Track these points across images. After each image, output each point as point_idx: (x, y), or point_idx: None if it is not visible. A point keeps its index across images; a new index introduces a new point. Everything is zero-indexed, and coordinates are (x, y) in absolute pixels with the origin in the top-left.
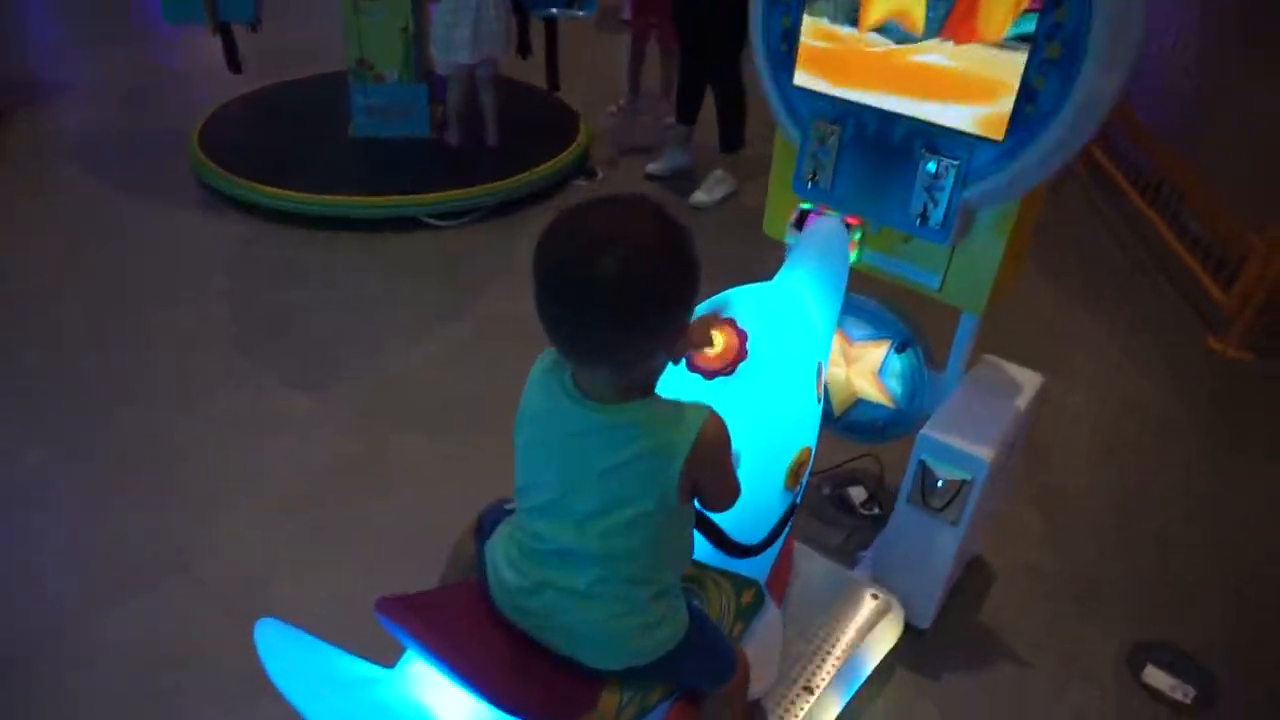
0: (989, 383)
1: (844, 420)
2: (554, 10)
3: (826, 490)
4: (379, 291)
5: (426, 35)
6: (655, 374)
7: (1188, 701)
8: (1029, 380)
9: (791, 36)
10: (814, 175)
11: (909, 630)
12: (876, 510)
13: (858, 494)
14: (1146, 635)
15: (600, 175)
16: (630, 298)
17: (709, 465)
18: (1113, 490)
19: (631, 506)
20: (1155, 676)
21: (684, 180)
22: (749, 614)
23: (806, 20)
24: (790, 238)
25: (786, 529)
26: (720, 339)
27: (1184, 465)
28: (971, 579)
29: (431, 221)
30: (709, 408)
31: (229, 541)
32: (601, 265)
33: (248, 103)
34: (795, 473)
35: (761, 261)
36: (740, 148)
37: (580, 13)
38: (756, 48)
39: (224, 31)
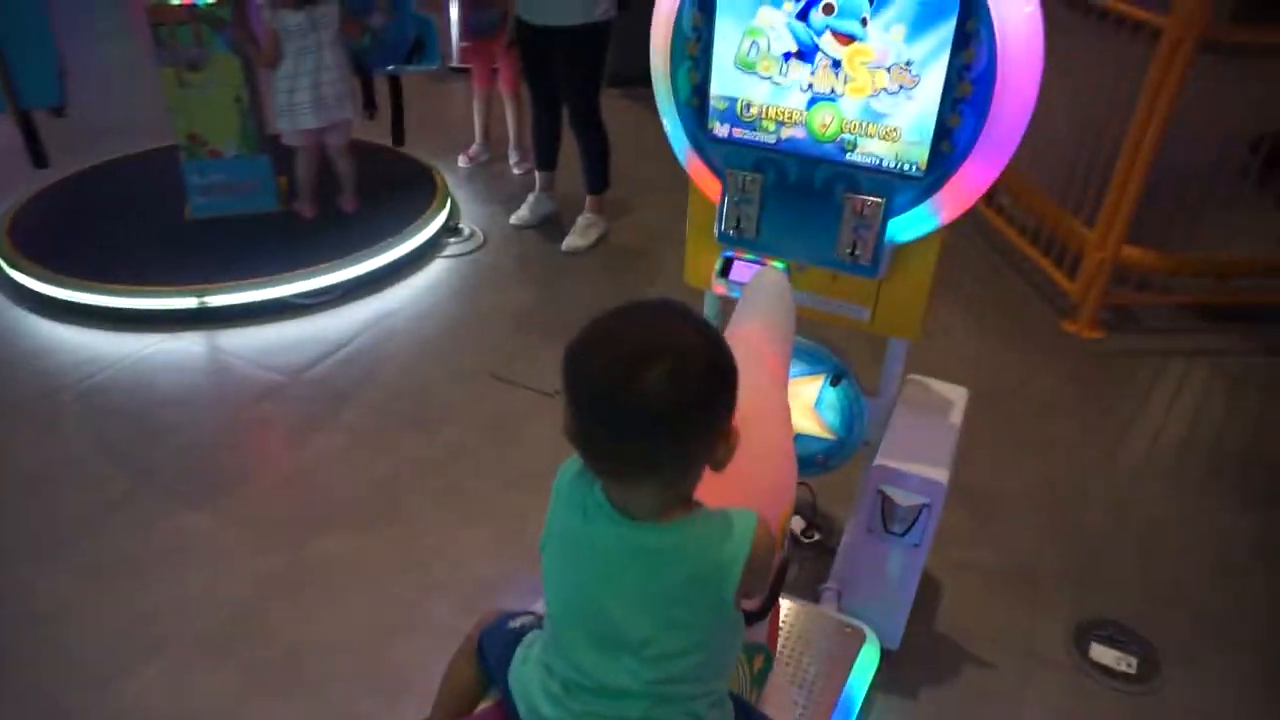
0: (923, 404)
1: None
2: (396, 67)
3: None
4: (259, 385)
5: (265, 103)
6: (696, 482)
7: (1133, 672)
8: (957, 395)
9: (702, 91)
10: (738, 223)
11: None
12: (816, 537)
13: (796, 523)
14: (1087, 614)
15: (468, 231)
16: (682, 413)
17: (761, 572)
18: (1022, 477)
19: (687, 630)
20: (1101, 653)
21: (550, 226)
22: (762, 679)
23: (716, 72)
24: (716, 287)
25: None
26: None
27: (1070, 443)
28: (920, 589)
29: (301, 302)
30: (756, 515)
31: (140, 712)
32: (651, 384)
33: (61, 191)
34: (784, 529)
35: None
36: (606, 188)
37: (425, 67)
38: (664, 104)
39: (24, 120)
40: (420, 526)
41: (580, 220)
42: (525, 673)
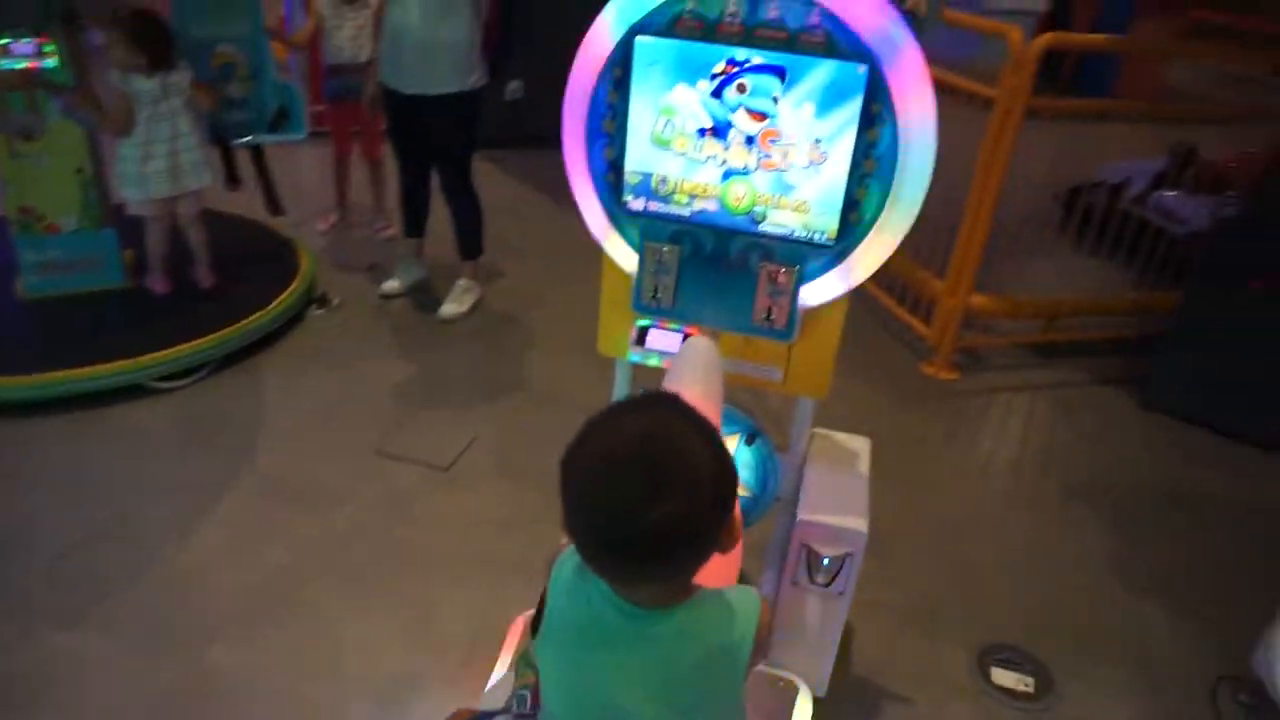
0: (832, 457)
1: None
2: (257, 137)
3: None
4: (121, 480)
5: (108, 173)
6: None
7: (1031, 691)
8: (861, 445)
9: (618, 166)
10: (655, 293)
11: None
12: None
13: None
14: (985, 640)
15: (335, 301)
16: (698, 530)
17: (762, 648)
18: (911, 514)
19: (697, 714)
20: (1002, 676)
21: (421, 293)
22: None
23: (631, 149)
24: (632, 355)
25: None
26: None
27: (944, 479)
28: None
29: (158, 385)
30: (755, 593)
31: None
32: (668, 519)
33: None
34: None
35: (533, 365)
36: (481, 254)
37: (290, 136)
38: (578, 178)
39: None
40: (324, 620)
41: (456, 287)
42: None
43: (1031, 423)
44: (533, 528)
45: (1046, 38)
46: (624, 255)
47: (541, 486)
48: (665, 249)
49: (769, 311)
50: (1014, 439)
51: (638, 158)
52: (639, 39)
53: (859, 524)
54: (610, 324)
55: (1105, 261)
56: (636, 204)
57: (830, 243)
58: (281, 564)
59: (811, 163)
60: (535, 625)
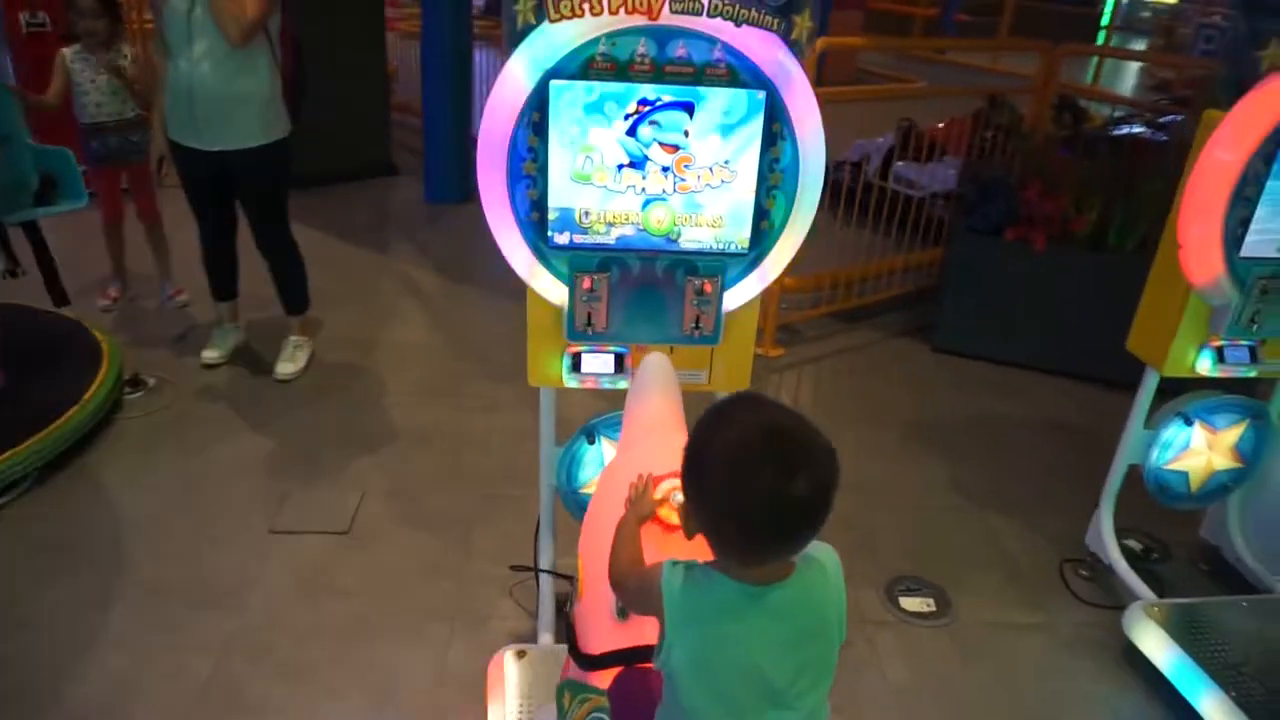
0: None
1: None
2: (28, 212)
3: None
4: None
5: None
6: None
7: (934, 609)
8: None
9: (541, 206)
10: (588, 319)
11: None
12: None
13: None
14: (887, 576)
15: (151, 382)
16: (831, 496)
17: None
18: None
19: (825, 665)
20: (909, 603)
21: (245, 357)
22: None
23: (554, 188)
24: (569, 380)
25: None
26: None
27: None
28: None
29: None
30: (830, 547)
31: None
32: (818, 489)
33: None
34: None
35: (394, 409)
36: (308, 307)
37: (68, 206)
38: (500, 221)
39: None
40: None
41: (287, 344)
42: None
43: (854, 380)
44: (456, 569)
45: None
46: (553, 289)
47: (449, 525)
48: (595, 277)
49: (697, 320)
50: (845, 397)
51: (560, 195)
52: (554, 83)
53: None
54: (540, 356)
55: (871, 232)
56: (562, 238)
57: (745, 251)
58: (205, 674)
59: (723, 182)
60: (578, 656)
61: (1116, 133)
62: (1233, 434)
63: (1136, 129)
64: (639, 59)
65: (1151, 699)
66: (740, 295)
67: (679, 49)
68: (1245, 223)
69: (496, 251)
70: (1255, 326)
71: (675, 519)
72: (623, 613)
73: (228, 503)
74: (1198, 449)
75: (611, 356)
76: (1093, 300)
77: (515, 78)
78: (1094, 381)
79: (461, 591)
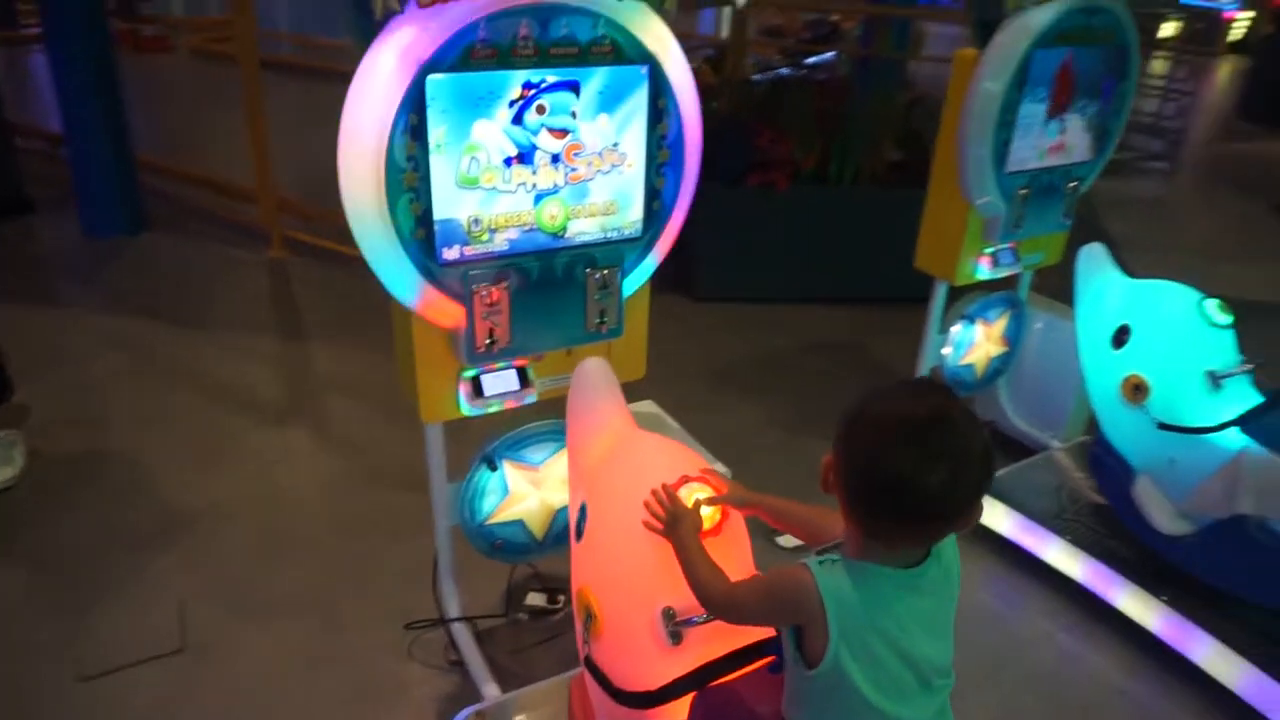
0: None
1: (549, 541)
2: None
3: (522, 615)
4: None
5: None
6: None
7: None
8: (651, 407)
9: (426, 220)
10: (490, 336)
11: None
12: (562, 599)
13: (537, 598)
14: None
15: None
16: (987, 486)
17: None
18: None
19: (952, 634)
20: (785, 540)
21: None
22: None
23: (438, 198)
24: (471, 410)
25: None
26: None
27: None
28: None
29: None
30: None
31: None
32: (981, 469)
33: None
34: None
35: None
36: (12, 395)
37: None
38: (380, 245)
39: None
40: None
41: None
42: None
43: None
44: (335, 649)
45: None
46: (446, 311)
47: (303, 604)
48: (494, 289)
49: (601, 314)
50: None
51: (446, 205)
52: (431, 78)
53: (721, 468)
54: (432, 388)
55: None
56: (452, 253)
57: (639, 234)
58: None
59: (613, 166)
60: (629, 697)
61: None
62: (1001, 324)
63: (784, 71)
64: (522, 42)
65: (1004, 563)
66: (635, 281)
67: (562, 28)
68: (1007, 143)
69: (210, 280)
70: (1019, 229)
71: (710, 522)
72: (676, 636)
73: (5, 664)
74: (979, 342)
75: (513, 373)
76: (833, 229)
77: (384, 77)
78: (848, 302)
79: (356, 673)
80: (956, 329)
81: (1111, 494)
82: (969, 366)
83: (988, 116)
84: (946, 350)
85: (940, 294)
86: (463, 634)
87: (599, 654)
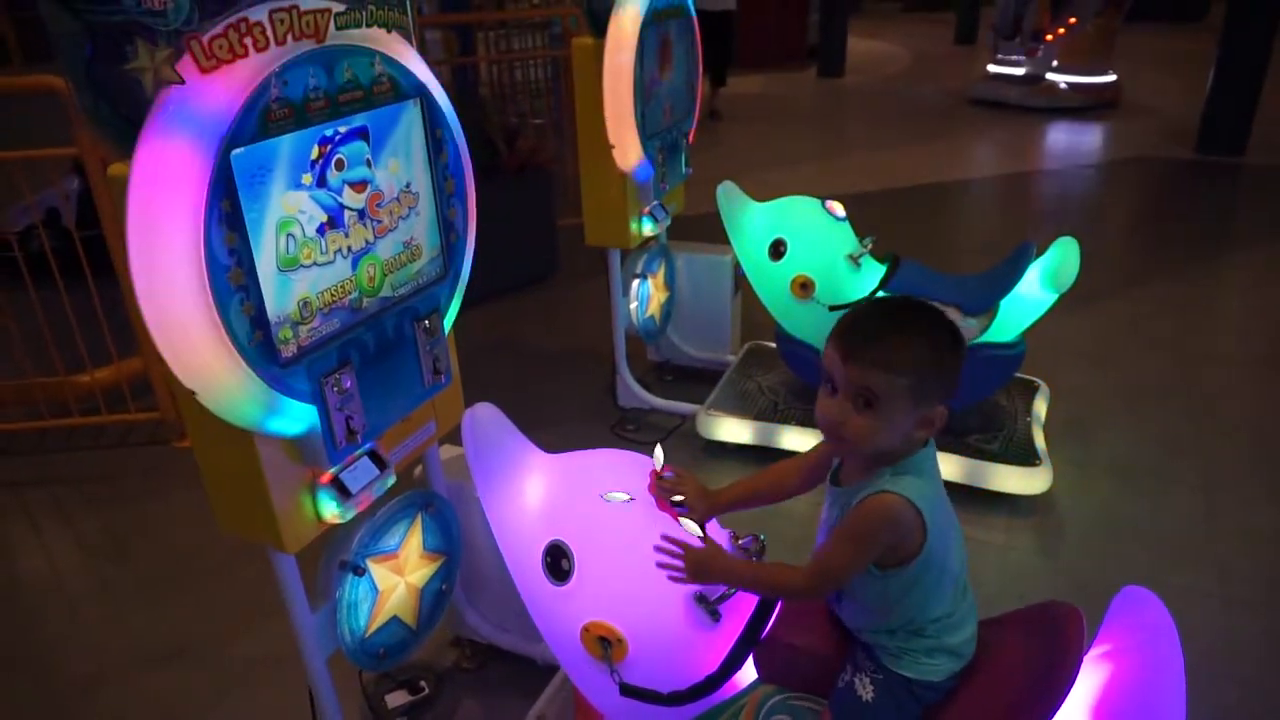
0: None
1: (423, 625)
2: None
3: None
4: None
5: None
6: None
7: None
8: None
9: (261, 320)
10: (348, 425)
11: None
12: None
13: (400, 695)
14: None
15: None
16: None
17: None
18: None
19: None
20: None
21: None
22: None
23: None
24: (346, 511)
25: None
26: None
27: None
28: None
29: None
30: None
31: None
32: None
33: None
34: None
35: None
36: None
37: None
38: (214, 366)
39: None
40: None
41: None
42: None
43: None
44: None
45: None
46: (295, 416)
47: None
48: (341, 373)
49: (435, 363)
50: None
51: (275, 295)
52: (235, 153)
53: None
54: (292, 511)
55: None
56: (291, 349)
57: (444, 270)
58: None
59: (410, 209)
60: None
61: None
62: (661, 273)
63: None
64: (313, 94)
65: (754, 465)
66: (449, 319)
67: (346, 71)
68: (643, 111)
69: None
70: (666, 185)
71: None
72: (715, 615)
73: None
74: (652, 294)
75: (366, 459)
76: None
77: (178, 163)
78: (489, 300)
79: None
80: (635, 286)
81: (808, 376)
82: (651, 317)
83: (627, 89)
84: (633, 307)
85: (616, 262)
86: None
87: (633, 675)
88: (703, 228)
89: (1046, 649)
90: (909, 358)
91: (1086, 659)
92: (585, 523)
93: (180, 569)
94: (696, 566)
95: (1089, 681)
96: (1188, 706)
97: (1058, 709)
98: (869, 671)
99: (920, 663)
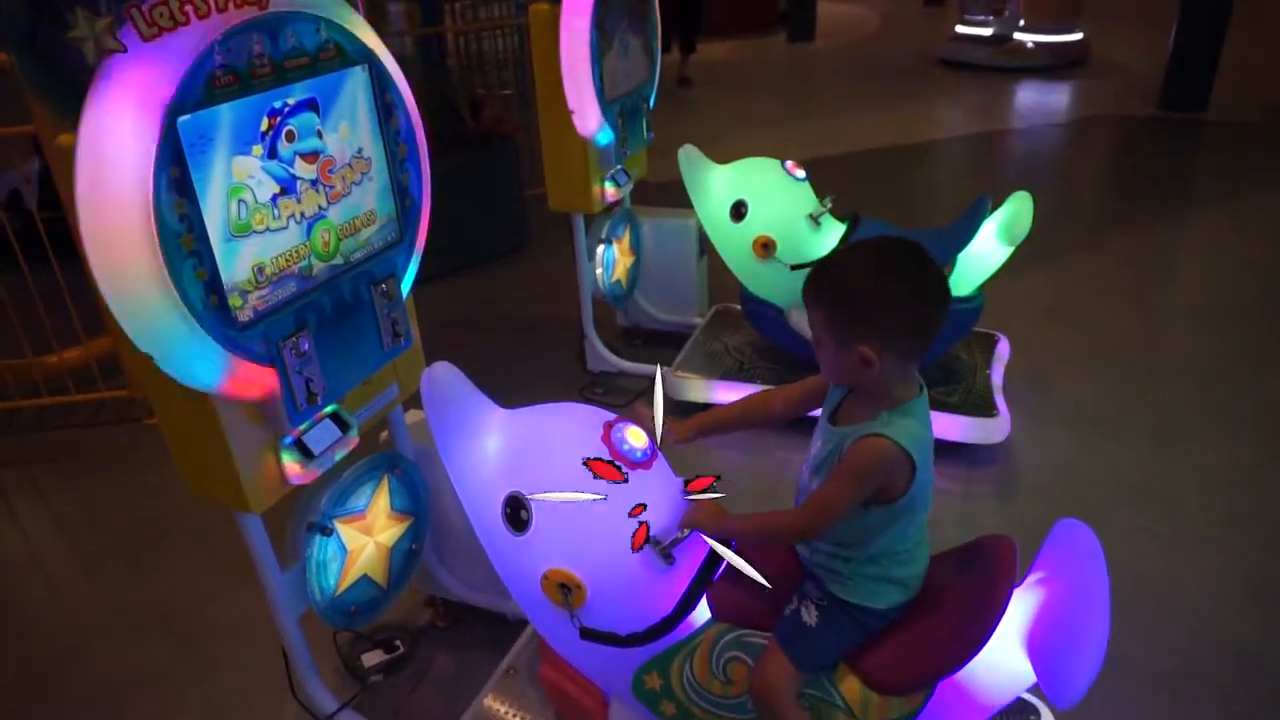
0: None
1: (394, 583)
2: None
3: (377, 677)
4: None
5: None
6: None
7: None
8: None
9: (215, 284)
10: (308, 387)
11: None
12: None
13: (376, 654)
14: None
15: None
16: None
17: None
18: None
19: None
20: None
21: None
22: None
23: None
24: (310, 470)
25: None
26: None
27: None
28: None
29: None
30: None
31: None
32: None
33: None
34: None
35: None
36: None
37: None
38: (167, 332)
39: None
40: None
41: None
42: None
43: None
44: None
45: None
46: (255, 380)
47: None
48: (298, 336)
49: (393, 327)
50: None
51: (229, 260)
52: (181, 120)
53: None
54: (254, 472)
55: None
56: (246, 313)
57: (399, 235)
58: None
59: (363, 174)
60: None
61: None
62: (626, 238)
63: None
64: (258, 61)
65: None
66: (407, 283)
67: (290, 38)
68: (600, 75)
69: None
70: (627, 151)
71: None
72: (668, 557)
73: None
74: (618, 259)
75: (328, 420)
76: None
77: (126, 130)
78: (462, 271)
79: None
80: (600, 251)
81: (773, 335)
82: (618, 282)
83: (584, 54)
84: (599, 272)
85: (581, 227)
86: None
87: (592, 619)
88: (670, 194)
89: (981, 578)
90: (819, 291)
91: (1022, 587)
92: (548, 472)
93: (157, 538)
94: (695, 524)
95: (1022, 607)
96: (1132, 640)
97: (992, 633)
98: (815, 599)
99: (867, 589)
